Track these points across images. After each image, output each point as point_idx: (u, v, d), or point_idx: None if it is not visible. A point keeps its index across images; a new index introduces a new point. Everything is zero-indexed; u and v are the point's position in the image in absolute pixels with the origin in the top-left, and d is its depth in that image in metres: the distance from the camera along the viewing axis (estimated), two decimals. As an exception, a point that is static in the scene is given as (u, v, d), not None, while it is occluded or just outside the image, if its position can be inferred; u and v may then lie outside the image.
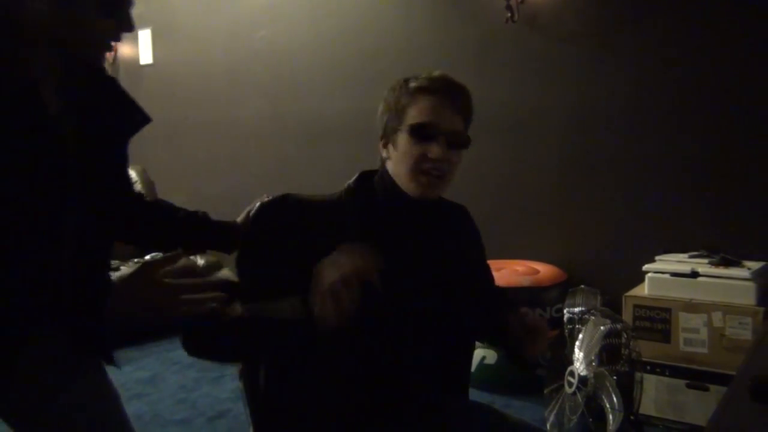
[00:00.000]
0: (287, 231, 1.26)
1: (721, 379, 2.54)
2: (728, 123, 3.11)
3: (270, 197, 1.33)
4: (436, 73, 1.30)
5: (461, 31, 3.85)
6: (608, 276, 3.24)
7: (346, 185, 1.34)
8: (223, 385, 3.36)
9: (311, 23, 4.48)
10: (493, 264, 3.65)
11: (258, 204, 1.39)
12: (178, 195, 4.94)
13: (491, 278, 1.53)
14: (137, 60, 5.51)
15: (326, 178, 4.33)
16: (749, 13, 3.03)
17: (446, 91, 1.27)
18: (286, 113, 4.64)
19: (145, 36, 5.38)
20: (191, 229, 1.53)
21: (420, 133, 1.24)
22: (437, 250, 1.36)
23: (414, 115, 1.25)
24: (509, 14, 3.57)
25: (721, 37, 3.09)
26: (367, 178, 1.35)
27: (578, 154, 3.54)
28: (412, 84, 1.28)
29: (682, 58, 3.20)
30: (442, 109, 1.25)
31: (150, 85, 5.35)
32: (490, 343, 1.62)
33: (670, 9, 3.22)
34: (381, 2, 4.17)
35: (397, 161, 1.28)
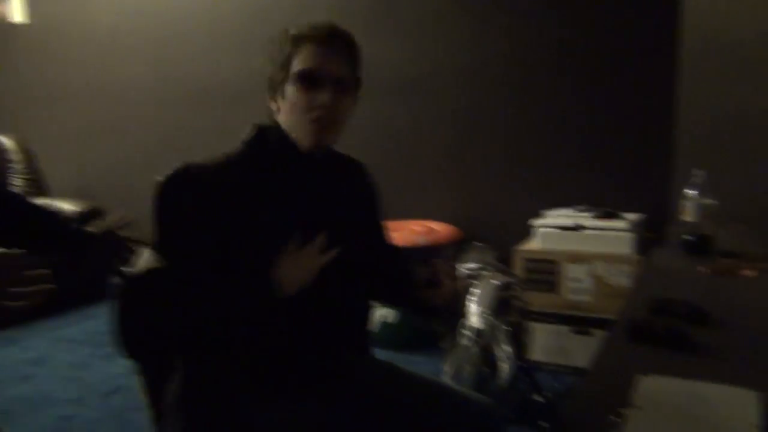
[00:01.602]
0: (197, 203, 1.19)
1: (602, 324, 2.72)
2: (601, 85, 3.27)
3: (171, 172, 1.23)
4: (318, 22, 1.26)
5: (353, -8, 3.80)
6: (500, 232, 3.36)
7: (232, 150, 1.28)
8: (115, 361, 3.22)
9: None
10: (390, 224, 3.68)
11: (161, 182, 1.27)
12: (61, 165, 4.68)
13: (385, 235, 1.54)
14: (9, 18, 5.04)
15: (219, 142, 4.19)
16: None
17: (330, 38, 1.24)
18: (174, 76, 4.42)
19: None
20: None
21: (307, 80, 1.21)
22: (332, 204, 1.34)
23: (299, 63, 1.22)
24: (401, -27, 3.55)
25: (602, 6, 3.23)
26: (262, 130, 1.30)
27: (470, 113, 3.61)
28: (294, 32, 1.25)
29: (564, 23, 3.32)
30: (327, 56, 1.23)
31: (25, 46, 4.93)
32: (386, 301, 1.61)
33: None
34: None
35: (286, 112, 1.25)
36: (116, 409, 2.74)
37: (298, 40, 1.23)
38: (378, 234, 1.51)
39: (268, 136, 1.28)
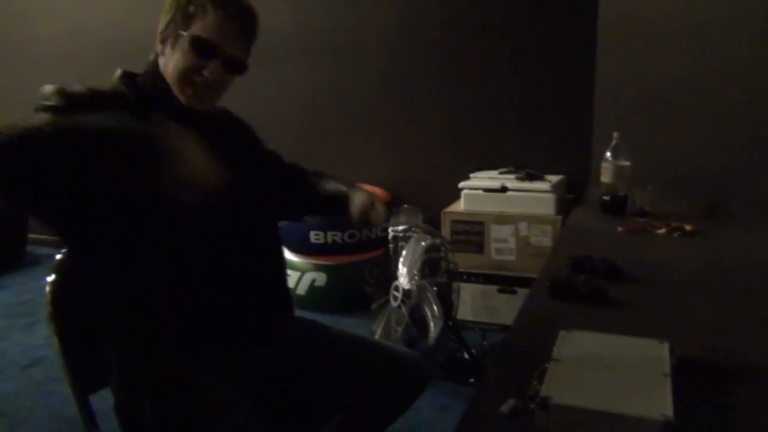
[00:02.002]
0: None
1: (526, 283, 2.82)
2: (532, 50, 3.32)
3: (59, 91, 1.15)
4: None
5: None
6: (429, 194, 3.41)
7: (111, 87, 1.21)
8: (35, 332, 3.11)
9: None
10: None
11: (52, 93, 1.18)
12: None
13: (279, 158, 1.55)
14: None
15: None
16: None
17: (237, 12, 1.22)
18: (89, 32, 4.20)
19: None
20: None
21: (201, 48, 1.20)
22: (221, 150, 1.31)
23: (200, 26, 1.19)
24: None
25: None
26: (131, 77, 1.25)
27: (397, 77, 3.61)
28: None
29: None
30: (229, 31, 1.21)
31: None
32: (303, 214, 1.64)
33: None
34: None
35: (169, 64, 1.22)
36: (37, 381, 2.65)
37: (206, 2, 1.20)
38: (273, 160, 1.53)
39: (147, 81, 1.24)
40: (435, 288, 2.40)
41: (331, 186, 1.56)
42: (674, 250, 1.77)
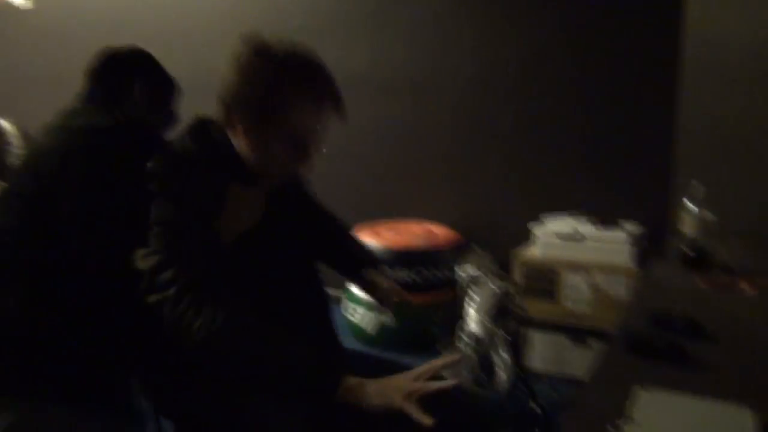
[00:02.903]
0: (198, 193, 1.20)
1: (601, 335, 2.73)
2: (608, 92, 3.27)
3: (161, 166, 1.22)
4: (312, 61, 1.23)
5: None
6: (500, 236, 3.37)
7: (189, 142, 1.27)
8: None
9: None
10: (389, 225, 3.68)
11: (157, 176, 1.24)
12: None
13: (328, 214, 1.62)
14: (11, 1, 5.05)
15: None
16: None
17: (336, 100, 1.24)
18: (173, 66, 4.43)
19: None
20: None
21: (301, 144, 1.22)
22: (286, 204, 1.38)
23: (299, 122, 1.21)
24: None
25: (604, 13, 3.24)
26: (209, 147, 1.26)
27: (471, 116, 3.62)
28: (295, 74, 1.20)
29: (567, 28, 3.32)
30: (329, 119, 1.24)
31: (28, 31, 4.93)
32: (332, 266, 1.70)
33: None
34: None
35: (257, 152, 1.24)
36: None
37: (298, 90, 1.20)
38: (323, 217, 1.60)
39: (224, 156, 1.25)
40: (504, 334, 2.36)
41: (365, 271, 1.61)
42: (761, 309, 1.68)
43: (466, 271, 2.63)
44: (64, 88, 4.97)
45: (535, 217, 3.09)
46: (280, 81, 1.18)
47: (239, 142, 1.25)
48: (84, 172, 1.36)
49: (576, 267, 2.84)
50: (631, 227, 2.92)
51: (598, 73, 3.29)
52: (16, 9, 4.97)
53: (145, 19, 4.51)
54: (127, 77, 1.61)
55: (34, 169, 1.42)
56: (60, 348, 1.30)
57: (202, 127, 1.28)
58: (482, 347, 2.34)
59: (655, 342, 1.30)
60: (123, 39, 4.69)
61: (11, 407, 1.24)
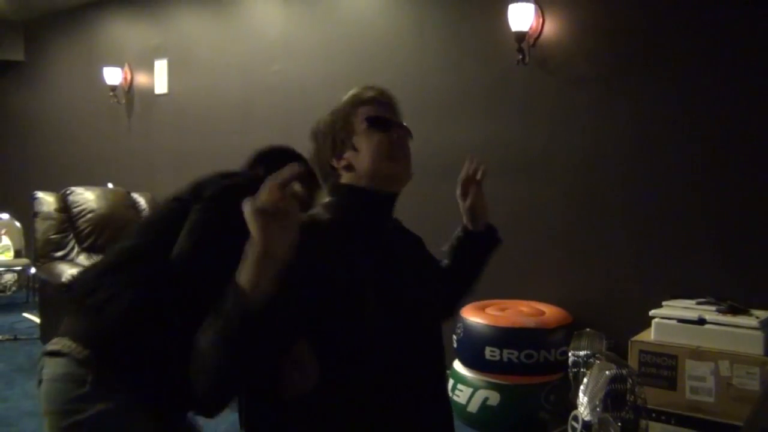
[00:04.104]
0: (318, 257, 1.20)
1: (727, 430, 2.50)
2: (736, 170, 3.11)
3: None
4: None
5: (473, 72, 3.90)
6: (614, 320, 3.21)
7: (328, 204, 1.37)
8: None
9: (324, 59, 4.55)
10: (498, 303, 3.63)
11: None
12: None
13: (438, 263, 1.63)
14: (152, 89, 5.60)
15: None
16: (753, 55, 3.06)
17: (385, 96, 1.40)
18: (297, 148, 4.68)
19: (161, 66, 5.49)
20: None
21: (377, 122, 1.33)
22: (408, 249, 1.44)
23: (363, 114, 1.34)
24: (520, 56, 3.62)
25: (727, 82, 3.12)
26: (343, 191, 1.36)
27: (586, 195, 3.54)
28: (348, 97, 1.39)
29: (688, 103, 3.23)
30: (388, 109, 1.38)
31: (163, 115, 5.43)
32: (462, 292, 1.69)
33: (678, 53, 3.26)
34: (394, 42, 4.24)
35: (362, 161, 1.32)
36: None
37: (354, 102, 1.37)
38: (436, 265, 1.61)
39: (347, 197, 1.35)
40: (619, 423, 2.21)
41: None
42: None
43: (578, 354, 2.51)
44: (194, 167, 5.47)
45: (656, 303, 2.93)
46: (342, 108, 1.38)
47: (348, 178, 1.35)
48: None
49: (699, 354, 2.64)
50: (761, 313, 2.70)
51: (721, 149, 3.14)
52: (155, 95, 5.51)
53: (272, 102, 4.84)
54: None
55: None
56: (167, 359, 1.41)
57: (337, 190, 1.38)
58: (594, 435, 2.20)
59: (792, 442, 1.17)
60: (252, 122, 5.06)
61: (108, 398, 1.44)
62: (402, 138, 1.36)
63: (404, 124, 1.39)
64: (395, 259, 1.34)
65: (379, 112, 1.35)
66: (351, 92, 1.40)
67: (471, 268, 1.66)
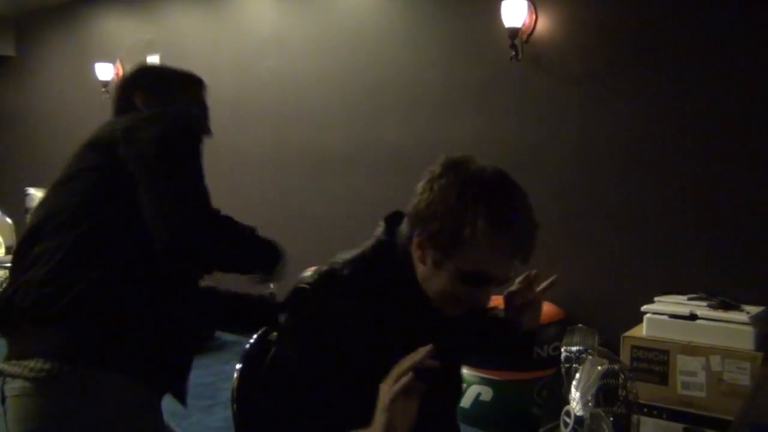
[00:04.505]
0: (339, 342, 1.13)
1: (718, 424, 2.51)
2: (728, 167, 3.13)
3: (317, 279, 1.20)
4: (501, 193, 1.13)
5: (466, 68, 3.90)
6: (606, 315, 3.23)
7: (364, 268, 1.19)
8: (215, 414, 3.32)
9: (317, 56, 4.54)
10: (492, 300, 3.62)
11: (309, 283, 1.23)
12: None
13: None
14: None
15: (326, 208, 4.36)
16: (746, 53, 3.07)
17: (520, 240, 1.11)
18: (289, 142, 4.68)
19: (153, 61, 5.45)
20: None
21: (472, 281, 1.11)
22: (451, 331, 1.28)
23: (471, 261, 1.09)
24: (513, 53, 3.63)
25: (720, 79, 3.14)
26: (387, 266, 1.19)
27: (578, 192, 3.55)
28: (485, 212, 1.07)
29: (682, 100, 3.24)
30: (507, 259, 1.12)
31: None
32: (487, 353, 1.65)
33: (669, 51, 3.28)
34: (387, 38, 4.23)
35: (431, 280, 1.15)
36: (210, 462, 2.80)
37: (485, 232, 1.06)
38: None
39: (400, 279, 1.18)
40: (611, 418, 2.22)
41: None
42: None
43: (570, 349, 2.52)
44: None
45: (648, 298, 2.94)
46: (466, 215, 1.07)
47: (418, 268, 1.17)
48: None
49: (690, 350, 2.66)
50: (752, 309, 2.71)
51: (714, 147, 3.16)
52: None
53: (265, 99, 4.82)
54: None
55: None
56: (146, 329, 1.40)
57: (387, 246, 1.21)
58: (586, 430, 2.21)
59: (782, 436, 1.18)
60: (245, 117, 5.04)
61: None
62: (488, 298, 1.18)
63: (510, 276, 1.18)
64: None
65: (494, 268, 1.11)
66: (489, 204, 1.08)
67: (491, 349, 1.66)
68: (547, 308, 3.38)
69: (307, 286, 1.20)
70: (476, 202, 1.07)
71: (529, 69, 3.66)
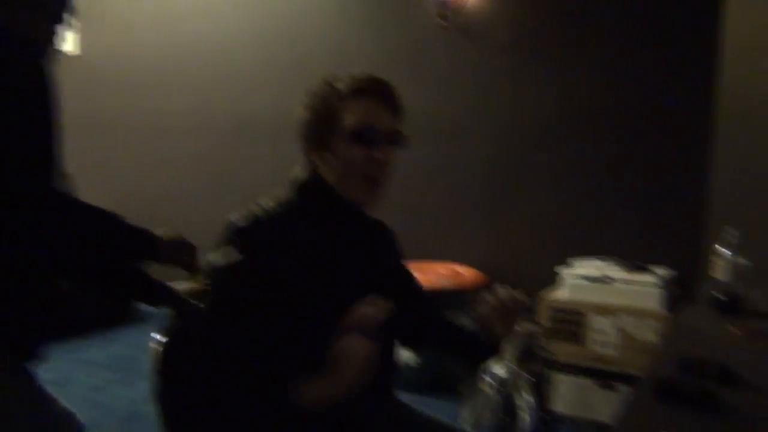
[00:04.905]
0: (269, 257, 1.19)
1: (628, 380, 2.66)
2: (644, 138, 3.26)
3: (241, 220, 1.23)
4: (360, 73, 1.25)
5: (396, 38, 3.87)
6: (527, 279, 3.32)
7: (285, 199, 1.27)
8: (135, 386, 3.24)
9: (244, 21, 4.40)
10: (415, 266, 3.67)
11: (232, 228, 1.24)
12: (104, 195, 4.78)
13: (416, 283, 1.55)
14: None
15: (253, 175, 4.28)
16: (666, 27, 3.19)
17: (379, 91, 1.23)
18: (215, 109, 4.53)
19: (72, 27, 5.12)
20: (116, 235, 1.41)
21: (362, 137, 1.20)
22: (373, 261, 1.36)
23: (351, 119, 1.20)
24: (443, 22, 3.62)
25: (645, 50, 3.25)
26: (307, 183, 1.28)
27: (504, 160, 3.63)
28: (341, 86, 1.23)
29: (607, 70, 3.34)
30: (379, 110, 1.22)
31: (74, 76, 5.09)
32: (414, 346, 1.63)
33: (598, 21, 3.36)
34: (315, 5, 4.14)
35: (336, 168, 1.23)
36: (132, 434, 2.75)
37: (346, 95, 1.21)
38: (410, 282, 1.53)
39: (314, 190, 1.26)
40: (529, 377, 2.31)
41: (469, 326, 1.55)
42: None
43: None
44: (107, 134, 5.19)
45: (564, 261, 3.06)
46: (332, 93, 1.22)
47: (324, 172, 1.26)
48: None
49: (603, 310, 2.79)
50: (661, 271, 2.87)
51: (631, 118, 3.28)
52: (63, 56, 5.16)
53: (190, 64, 4.64)
54: None
55: None
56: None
57: (300, 181, 1.29)
58: (505, 389, 2.29)
59: (685, 388, 1.26)
60: (170, 84, 4.83)
61: None
62: (388, 157, 1.23)
63: (398, 131, 1.26)
64: (346, 261, 1.27)
65: (369, 118, 1.21)
66: (342, 78, 1.24)
67: (450, 352, 1.63)
68: (471, 273, 3.47)
69: (237, 221, 1.22)
70: (340, 82, 1.23)
71: (459, 39, 3.68)
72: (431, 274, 3.40)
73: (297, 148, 1.34)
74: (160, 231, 1.47)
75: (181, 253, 1.48)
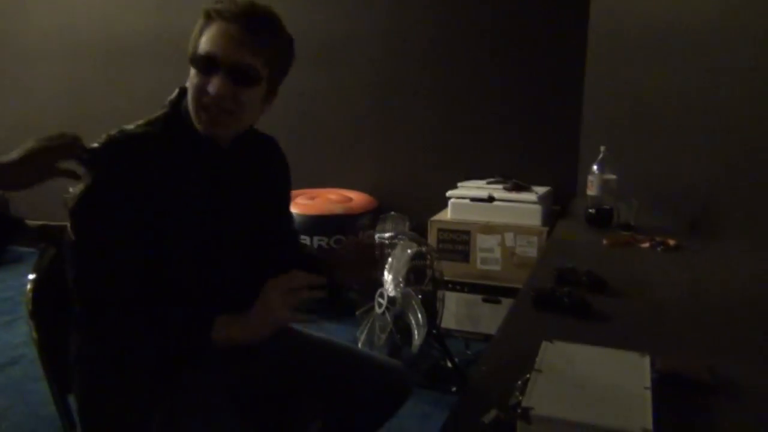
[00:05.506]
0: (130, 183, 1.13)
1: (511, 293, 2.83)
2: (522, 63, 3.34)
3: (104, 140, 1.15)
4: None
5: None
6: (416, 202, 3.41)
7: (152, 120, 1.22)
8: (15, 330, 3.08)
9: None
10: (307, 193, 3.65)
11: (96, 146, 1.16)
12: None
13: (289, 220, 1.54)
14: None
15: (126, 103, 4.01)
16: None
17: (240, 19, 1.12)
18: (80, 29, 4.17)
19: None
20: None
21: (200, 64, 1.13)
22: (239, 189, 1.31)
23: (201, 44, 1.14)
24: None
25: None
26: (167, 112, 1.23)
27: (388, 82, 3.61)
28: (217, 7, 1.15)
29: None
30: (230, 40, 1.11)
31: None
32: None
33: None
34: None
35: (189, 92, 1.18)
36: (15, 379, 2.62)
37: (208, 17, 1.14)
38: (283, 218, 1.50)
39: (174, 112, 1.22)
40: (420, 296, 2.41)
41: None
42: (658, 264, 1.79)
43: (383, 236, 2.65)
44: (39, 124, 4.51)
45: (452, 184, 3.14)
46: (205, 14, 1.16)
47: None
48: None
49: (488, 229, 2.91)
50: (541, 190, 3.02)
51: (511, 42, 3.34)
52: None
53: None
54: None
55: None
56: None
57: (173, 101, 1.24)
58: (398, 308, 2.37)
59: (560, 297, 1.35)
60: (26, 2, 4.35)
61: None
62: (225, 90, 1.13)
63: (245, 66, 1.13)
64: (200, 186, 1.22)
65: (215, 45, 1.12)
66: (217, 1, 1.15)
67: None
68: (362, 198, 3.50)
69: (97, 146, 1.15)
70: (220, 3, 1.15)
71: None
72: (322, 200, 3.40)
73: (179, 71, 1.25)
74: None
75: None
